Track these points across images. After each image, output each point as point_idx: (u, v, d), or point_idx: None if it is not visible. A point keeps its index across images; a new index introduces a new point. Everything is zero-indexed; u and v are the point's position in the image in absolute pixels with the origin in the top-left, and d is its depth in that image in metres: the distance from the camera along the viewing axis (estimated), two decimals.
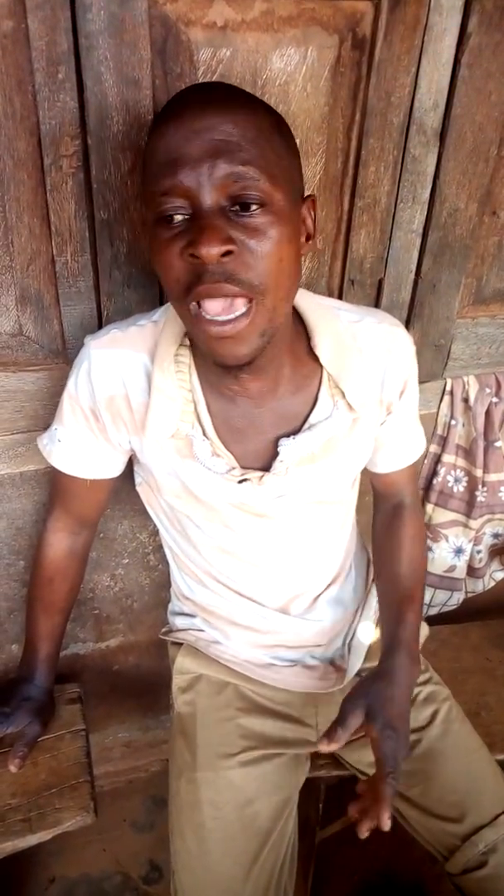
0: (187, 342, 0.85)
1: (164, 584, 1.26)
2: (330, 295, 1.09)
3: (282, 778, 1.03)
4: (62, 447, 0.94)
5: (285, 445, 0.88)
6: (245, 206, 0.68)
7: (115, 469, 0.97)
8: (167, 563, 1.33)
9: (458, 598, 1.51)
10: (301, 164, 0.76)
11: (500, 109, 0.98)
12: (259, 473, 0.89)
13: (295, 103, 0.91)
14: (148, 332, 0.86)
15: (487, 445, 1.36)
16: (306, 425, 0.89)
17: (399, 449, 1.03)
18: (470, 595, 1.54)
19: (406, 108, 0.96)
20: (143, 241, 0.95)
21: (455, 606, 1.53)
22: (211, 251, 0.66)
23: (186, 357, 0.86)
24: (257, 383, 0.84)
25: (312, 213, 0.78)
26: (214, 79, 0.86)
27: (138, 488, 1.06)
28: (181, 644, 1.14)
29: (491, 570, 1.54)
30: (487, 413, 1.33)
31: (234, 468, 0.88)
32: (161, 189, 0.68)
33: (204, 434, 0.87)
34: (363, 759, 1.09)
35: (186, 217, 0.69)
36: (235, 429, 0.88)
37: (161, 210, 0.69)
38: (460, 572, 1.48)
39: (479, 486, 1.38)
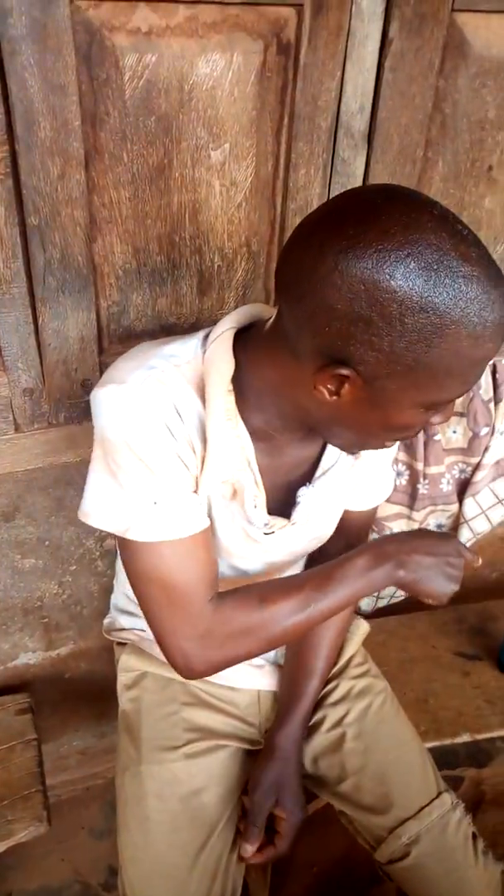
0: (231, 387, 0.81)
1: (112, 588, 1.25)
2: (267, 297, 1.10)
3: (227, 769, 1.05)
4: (165, 511, 0.80)
5: (304, 495, 0.89)
6: None
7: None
8: (115, 568, 1.33)
9: None
10: None
11: (423, 112, 1.01)
12: (283, 522, 0.90)
13: (223, 108, 0.92)
14: (190, 373, 0.81)
15: (427, 439, 1.39)
16: (319, 471, 0.90)
17: (370, 488, 1.03)
18: None
19: (333, 112, 0.98)
20: (74, 247, 0.94)
21: (402, 598, 1.56)
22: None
23: (231, 405, 0.81)
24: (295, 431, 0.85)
25: None
26: (141, 84, 0.86)
27: None
28: (125, 644, 1.14)
29: None
30: None
31: (268, 522, 0.89)
32: (460, 391, 0.71)
33: (255, 482, 0.85)
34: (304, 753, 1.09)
35: None
36: (268, 477, 0.87)
37: (448, 400, 0.73)
38: None
39: (421, 479, 1.42)
